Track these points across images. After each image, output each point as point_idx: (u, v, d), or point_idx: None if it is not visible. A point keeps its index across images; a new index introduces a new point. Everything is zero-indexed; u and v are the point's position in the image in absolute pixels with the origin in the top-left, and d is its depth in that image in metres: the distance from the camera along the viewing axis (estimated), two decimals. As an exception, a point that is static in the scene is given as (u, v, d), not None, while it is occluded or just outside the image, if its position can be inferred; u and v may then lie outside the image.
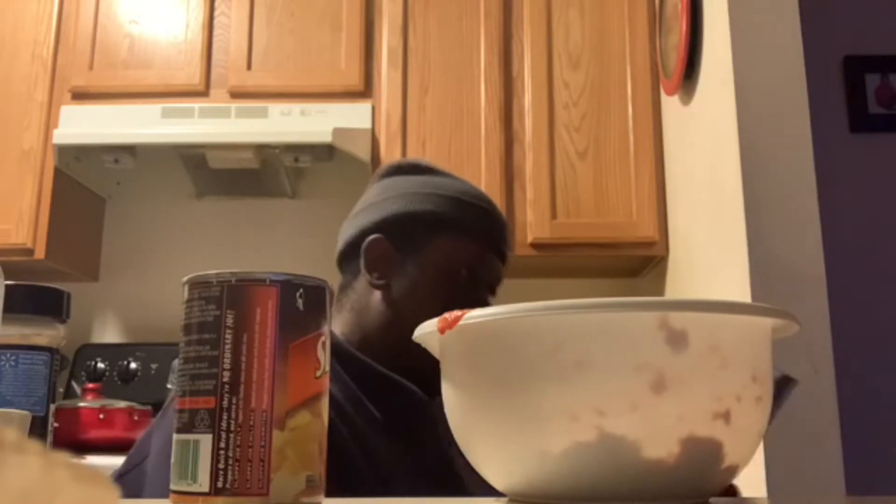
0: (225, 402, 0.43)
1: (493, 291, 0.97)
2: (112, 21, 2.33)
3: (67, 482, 0.21)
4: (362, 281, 0.95)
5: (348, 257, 0.97)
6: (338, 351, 0.88)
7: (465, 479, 0.86)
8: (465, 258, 0.93)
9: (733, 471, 0.48)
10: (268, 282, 0.45)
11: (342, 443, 0.80)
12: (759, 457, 1.54)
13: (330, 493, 0.74)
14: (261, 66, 2.29)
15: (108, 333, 2.46)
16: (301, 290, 0.46)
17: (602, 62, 2.28)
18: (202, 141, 2.15)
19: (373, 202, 0.96)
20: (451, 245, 0.93)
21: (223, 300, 0.45)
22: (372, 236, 0.93)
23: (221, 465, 0.43)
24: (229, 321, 0.44)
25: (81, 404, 1.99)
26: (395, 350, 0.88)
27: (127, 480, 0.81)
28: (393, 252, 0.93)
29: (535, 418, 0.46)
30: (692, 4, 1.98)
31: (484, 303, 0.95)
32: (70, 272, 2.33)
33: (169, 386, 2.24)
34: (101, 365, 2.28)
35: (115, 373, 2.27)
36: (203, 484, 0.43)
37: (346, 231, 0.97)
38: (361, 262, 0.94)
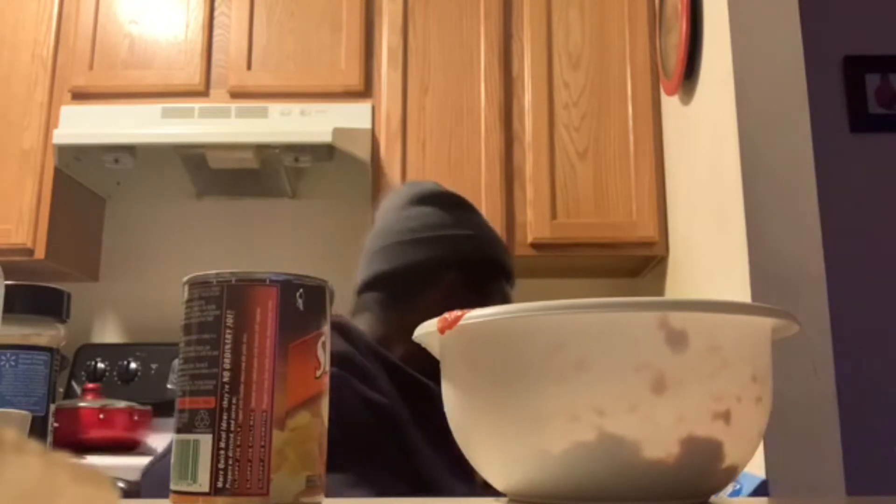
0: (225, 402, 0.43)
1: None
2: (112, 21, 2.33)
3: (67, 482, 0.21)
4: (424, 306, 0.99)
5: (409, 279, 1.01)
6: (372, 349, 0.93)
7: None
8: (506, 300, 1.06)
9: (733, 471, 0.48)
10: (268, 282, 0.45)
11: (374, 436, 0.84)
12: (759, 457, 1.54)
13: (365, 488, 0.75)
14: (261, 66, 2.29)
15: (108, 333, 2.46)
16: (301, 290, 0.46)
17: (602, 62, 2.28)
18: (202, 141, 2.15)
19: (440, 235, 1.02)
20: (503, 290, 1.06)
21: (223, 300, 0.45)
22: (451, 272, 1.01)
23: (221, 465, 0.43)
24: (229, 321, 0.44)
25: (81, 404, 1.99)
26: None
27: (158, 469, 0.81)
28: (466, 290, 1.02)
29: (535, 418, 0.46)
30: (692, 4, 1.98)
31: None
32: (70, 272, 2.33)
33: (169, 386, 2.24)
34: (101, 365, 2.28)
35: (115, 373, 2.27)
36: (203, 484, 0.43)
37: (414, 253, 1.01)
38: (435, 291, 1.00)
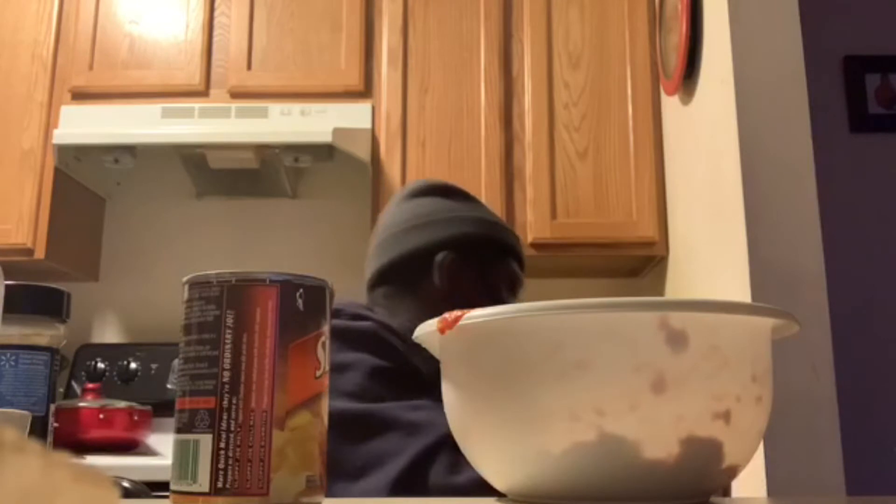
0: (225, 402, 0.43)
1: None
2: (112, 21, 2.33)
3: (67, 482, 0.21)
4: (426, 293, 1.04)
5: (407, 267, 1.05)
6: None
7: None
8: (513, 276, 1.08)
9: (733, 471, 0.48)
10: (268, 282, 0.45)
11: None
12: (759, 457, 1.54)
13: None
14: (261, 66, 2.29)
15: (108, 333, 2.46)
16: (301, 290, 0.46)
17: (602, 62, 2.28)
18: (202, 141, 2.15)
19: (434, 219, 1.06)
20: (504, 266, 1.07)
21: (223, 300, 0.45)
22: (445, 253, 1.04)
23: (221, 465, 0.43)
24: (229, 321, 0.44)
25: (81, 404, 1.99)
26: None
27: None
28: (465, 269, 1.04)
29: (535, 418, 0.46)
30: (692, 4, 1.98)
31: None
32: (70, 272, 2.33)
33: (169, 386, 2.24)
34: (101, 365, 2.28)
35: (115, 373, 2.27)
36: (203, 484, 0.43)
37: (407, 242, 1.05)
38: (435, 275, 1.03)
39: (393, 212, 1.09)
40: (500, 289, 1.06)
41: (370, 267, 1.08)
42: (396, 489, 0.80)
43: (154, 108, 2.18)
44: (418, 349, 0.97)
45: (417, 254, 1.04)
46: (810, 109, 1.71)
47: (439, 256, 1.03)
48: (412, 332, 1.01)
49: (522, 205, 2.20)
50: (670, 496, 0.47)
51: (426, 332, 0.52)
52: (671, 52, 2.11)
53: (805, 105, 1.71)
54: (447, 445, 0.83)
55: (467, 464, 0.81)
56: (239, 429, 0.43)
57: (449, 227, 1.05)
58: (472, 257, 1.04)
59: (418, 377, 0.91)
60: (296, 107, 2.18)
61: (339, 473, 0.83)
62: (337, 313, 0.95)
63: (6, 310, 0.57)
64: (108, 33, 2.32)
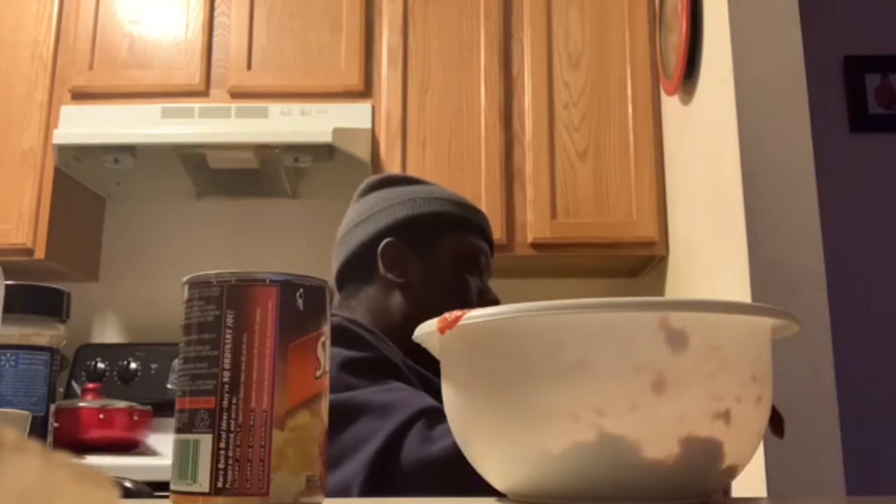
0: (225, 402, 0.43)
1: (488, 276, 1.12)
2: (112, 21, 2.33)
3: (67, 482, 0.21)
4: (378, 283, 1.05)
5: (356, 265, 1.06)
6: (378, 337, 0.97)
7: None
8: (469, 249, 1.06)
9: (733, 471, 0.48)
10: (268, 282, 0.45)
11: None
12: (759, 457, 1.54)
13: None
14: (261, 66, 2.29)
15: (108, 333, 2.46)
16: (301, 290, 0.46)
17: (602, 62, 2.28)
18: (202, 141, 2.15)
19: (373, 212, 1.06)
20: (456, 240, 1.06)
21: (223, 300, 0.45)
22: (386, 240, 1.04)
23: (221, 465, 0.43)
24: (229, 321, 0.44)
25: (81, 404, 1.99)
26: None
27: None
28: (407, 252, 1.04)
29: (535, 418, 0.46)
30: (692, 4, 1.98)
31: (487, 288, 1.08)
32: (70, 272, 2.33)
33: (169, 386, 2.24)
34: (101, 365, 2.28)
35: (115, 373, 2.27)
36: (203, 484, 0.43)
37: (352, 241, 1.07)
38: (379, 264, 1.04)
39: (344, 217, 1.12)
40: (451, 263, 1.05)
41: (332, 272, 1.10)
42: (372, 470, 0.80)
43: (154, 108, 2.18)
44: (386, 340, 0.97)
45: (361, 250, 1.05)
46: (810, 109, 1.71)
47: (381, 245, 1.04)
48: (377, 324, 1.03)
49: (522, 205, 2.20)
50: (670, 496, 0.47)
51: (426, 332, 0.52)
52: (671, 52, 2.11)
53: (805, 105, 1.71)
54: (420, 421, 0.82)
55: (442, 436, 0.80)
56: (239, 429, 0.43)
57: (390, 215, 1.05)
58: (417, 237, 1.04)
59: (390, 365, 0.92)
60: (296, 107, 2.18)
61: None
62: None
63: (6, 310, 0.57)
64: (108, 33, 2.31)
